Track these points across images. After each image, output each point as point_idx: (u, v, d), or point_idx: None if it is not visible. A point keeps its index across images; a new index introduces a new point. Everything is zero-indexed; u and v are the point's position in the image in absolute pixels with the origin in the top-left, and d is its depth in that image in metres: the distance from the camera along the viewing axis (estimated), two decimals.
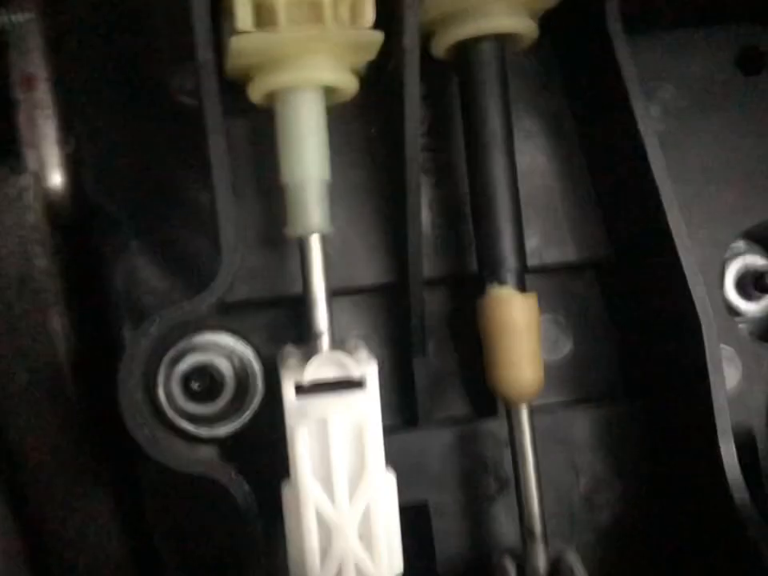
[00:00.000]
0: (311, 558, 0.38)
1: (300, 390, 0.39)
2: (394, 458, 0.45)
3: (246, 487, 0.39)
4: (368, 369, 0.39)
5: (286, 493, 0.39)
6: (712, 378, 0.41)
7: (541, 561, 0.42)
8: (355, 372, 0.39)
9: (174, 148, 0.47)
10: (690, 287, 0.41)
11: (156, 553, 0.46)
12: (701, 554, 0.45)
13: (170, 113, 0.47)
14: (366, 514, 0.39)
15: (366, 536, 0.39)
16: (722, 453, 0.41)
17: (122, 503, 0.46)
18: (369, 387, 0.39)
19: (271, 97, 0.41)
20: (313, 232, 0.41)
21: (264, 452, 0.43)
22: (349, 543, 0.38)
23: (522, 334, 0.43)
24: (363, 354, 0.40)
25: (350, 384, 0.39)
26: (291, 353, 0.41)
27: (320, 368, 0.39)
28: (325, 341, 0.41)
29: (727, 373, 0.47)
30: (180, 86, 0.47)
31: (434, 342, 0.49)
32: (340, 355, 0.39)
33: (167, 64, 0.47)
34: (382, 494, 0.39)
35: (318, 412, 0.38)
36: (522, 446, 0.43)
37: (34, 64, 0.46)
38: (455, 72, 0.45)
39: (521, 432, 0.43)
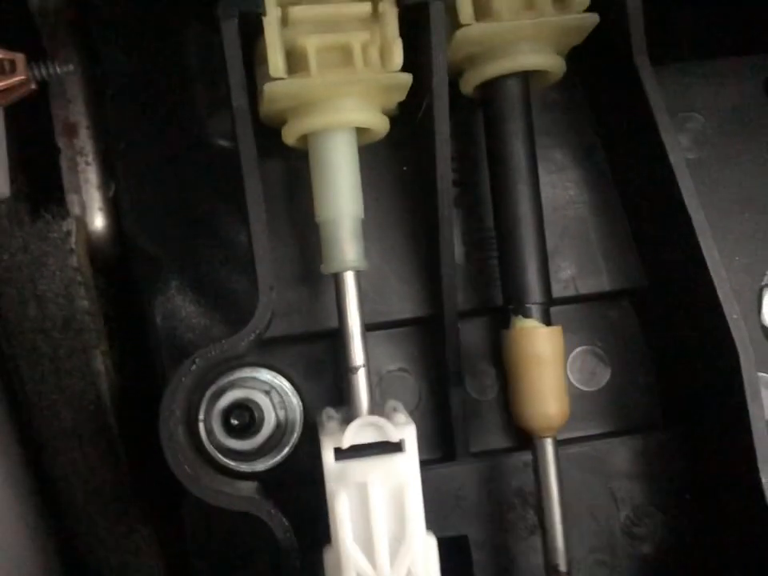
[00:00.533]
0: None
1: (341, 455, 0.39)
2: (433, 492, 0.46)
3: (286, 523, 0.40)
4: (406, 432, 0.39)
5: (328, 558, 0.39)
6: (750, 406, 0.41)
7: None
8: (394, 436, 0.39)
9: (211, 189, 0.48)
10: (726, 315, 0.41)
11: None
12: None
13: (206, 155, 0.48)
14: None
15: None
16: (764, 482, 0.40)
17: (165, 539, 0.46)
18: (408, 450, 0.39)
19: (305, 139, 0.42)
20: (347, 269, 0.42)
21: (303, 487, 0.44)
22: None
23: (546, 367, 0.43)
24: (401, 416, 0.40)
25: (389, 446, 0.39)
26: (331, 416, 0.42)
27: (359, 432, 0.39)
28: (362, 376, 0.42)
29: (766, 400, 0.46)
30: (216, 129, 0.49)
31: (469, 374, 0.49)
32: (379, 420, 0.39)
33: (203, 108, 0.49)
34: (423, 558, 0.39)
35: (357, 476, 0.38)
36: (546, 479, 0.43)
37: (75, 113, 0.47)
38: (481, 108, 0.46)
39: (545, 465, 0.43)
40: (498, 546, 0.46)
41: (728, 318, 0.41)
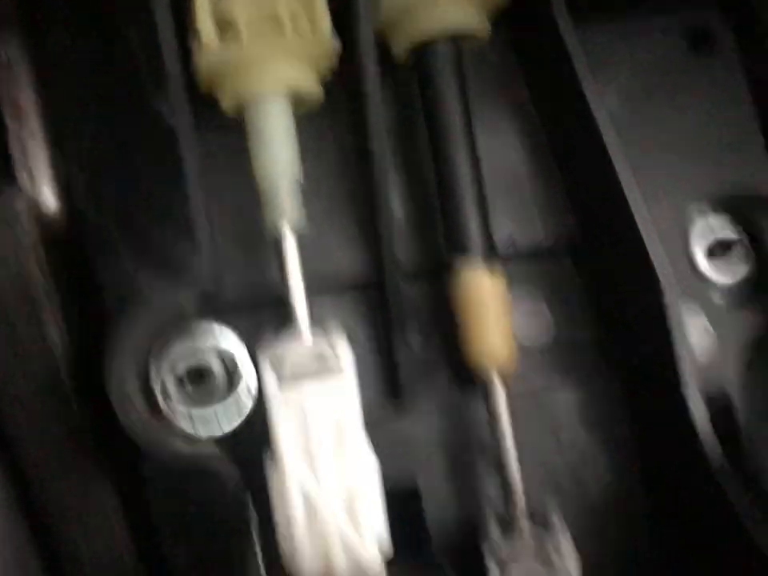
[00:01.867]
0: (299, 536, 0.40)
1: (281, 379, 0.41)
2: (382, 445, 0.47)
3: (237, 474, 0.41)
4: (344, 356, 0.41)
5: (272, 477, 0.41)
6: (675, 335, 0.42)
7: (524, 523, 0.43)
8: (331, 359, 0.41)
9: (158, 162, 0.50)
10: (650, 254, 0.43)
11: (161, 549, 0.48)
12: (684, 518, 0.46)
13: (153, 130, 0.50)
14: (349, 492, 0.40)
15: (351, 513, 0.40)
16: (691, 408, 0.42)
17: (126, 503, 0.48)
18: (346, 373, 0.41)
19: (241, 105, 0.44)
20: (286, 229, 0.43)
21: (263, 450, 0.45)
22: (334, 520, 0.40)
23: (492, 310, 0.45)
24: (340, 341, 0.42)
25: (329, 372, 0.41)
26: (271, 344, 0.43)
27: (297, 357, 0.41)
28: (306, 333, 0.43)
29: (701, 340, 0.48)
30: (162, 106, 0.50)
31: (418, 330, 0.50)
32: (316, 344, 0.41)
33: (149, 86, 0.50)
34: (365, 474, 0.41)
35: (297, 398, 0.40)
36: (498, 419, 0.45)
37: (23, 93, 0.49)
38: (416, 72, 0.47)
39: (496, 405, 0.45)
40: (449, 492, 0.48)
41: (653, 259, 0.43)
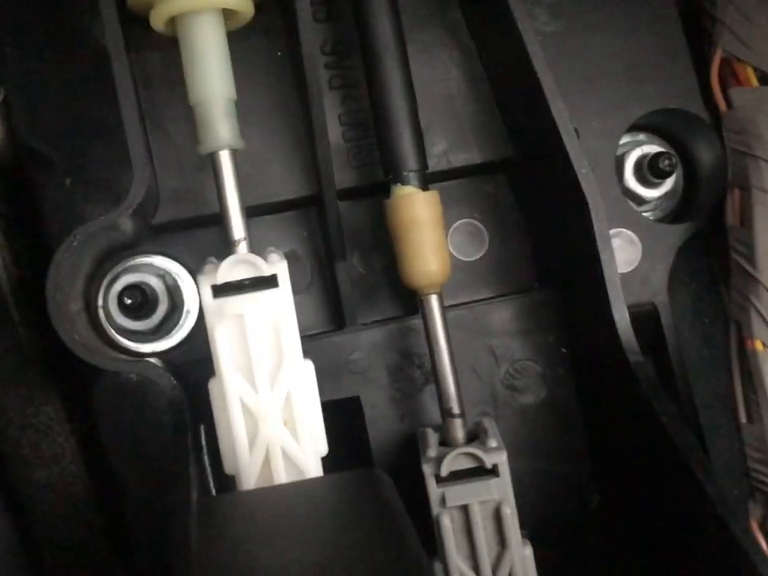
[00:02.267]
0: (240, 445, 0.42)
1: (217, 291, 0.42)
2: (325, 360, 0.49)
3: (174, 381, 0.43)
4: (279, 267, 0.42)
5: (213, 388, 0.42)
6: (601, 248, 0.44)
7: (459, 432, 0.45)
8: (266, 270, 0.42)
9: (98, 90, 0.50)
10: (576, 170, 0.44)
11: (110, 466, 0.50)
12: (612, 422, 0.48)
13: (92, 57, 0.50)
14: (288, 400, 0.42)
15: (290, 421, 0.42)
16: (616, 318, 0.44)
17: (74, 418, 0.49)
18: (281, 284, 0.42)
19: (172, 24, 0.44)
20: (222, 147, 0.44)
21: (204, 366, 0.47)
22: (274, 428, 0.42)
23: (426, 229, 0.46)
24: (275, 256, 0.43)
25: (264, 281, 0.42)
26: (210, 261, 0.44)
27: (233, 269, 0.42)
28: (243, 248, 0.44)
29: (629, 253, 0.50)
30: (99, 30, 0.50)
31: (358, 250, 0.52)
32: (251, 256, 0.42)
33: (83, 8, 0.50)
34: (301, 381, 0.42)
35: (234, 310, 0.42)
36: (434, 331, 0.46)
37: None
38: None
39: (432, 318, 0.46)
40: (388, 403, 0.50)
41: (578, 173, 0.45)
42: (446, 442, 0.46)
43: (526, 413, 0.51)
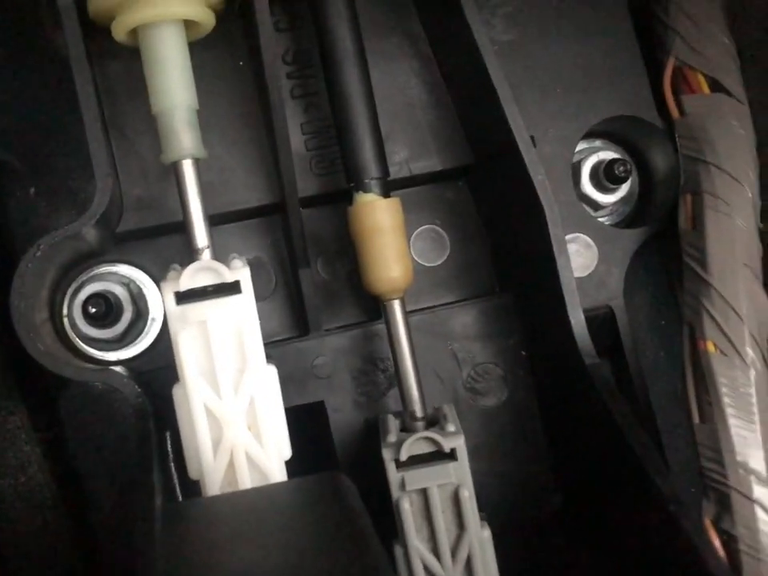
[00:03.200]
0: (205, 450, 0.42)
1: (180, 298, 0.42)
2: (289, 366, 0.50)
3: (138, 390, 0.43)
4: (242, 273, 0.43)
5: (177, 394, 0.43)
6: (557, 253, 0.45)
7: (419, 424, 0.46)
8: (229, 277, 0.42)
9: (61, 99, 0.50)
10: (532, 176, 0.45)
11: (76, 473, 0.50)
12: (571, 423, 0.49)
13: (54, 66, 0.50)
14: (251, 405, 0.42)
15: (253, 426, 0.43)
16: (572, 322, 0.45)
17: (40, 427, 0.49)
18: (244, 290, 0.43)
19: (134, 34, 0.45)
20: (185, 157, 0.44)
21: (170, 373, 0.47)
22: (238, 433, 0.42)
23: (388, 235, 0.47)
24: (237, 262, 0.44)
25: (226, 287, 0.43)
26: (173, 269, 0.45)
27: (195, 276, 0.42)
28: (206, 256, 0.45)
29: (585, 257, 0.51)
30: (59, 38, 0.51)
31: (322, 256, 0.53)
32: (214, 263, 0.43)
33: (49, 22, 0.51)
34: (265, 386, 0.43)
35: (197, 316, 0.42)
36: (397, 336, 0.47)
37: None
38: (308, 1, 0.49)
39: (395, 323, 0.47)
40: (353, 407, 0.50)
41: (534, 179, 0.46)
42: (406, 428, 0.46)
43: (487, 415, 0.52)
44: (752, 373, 0.44)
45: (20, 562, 0.48)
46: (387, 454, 0.43)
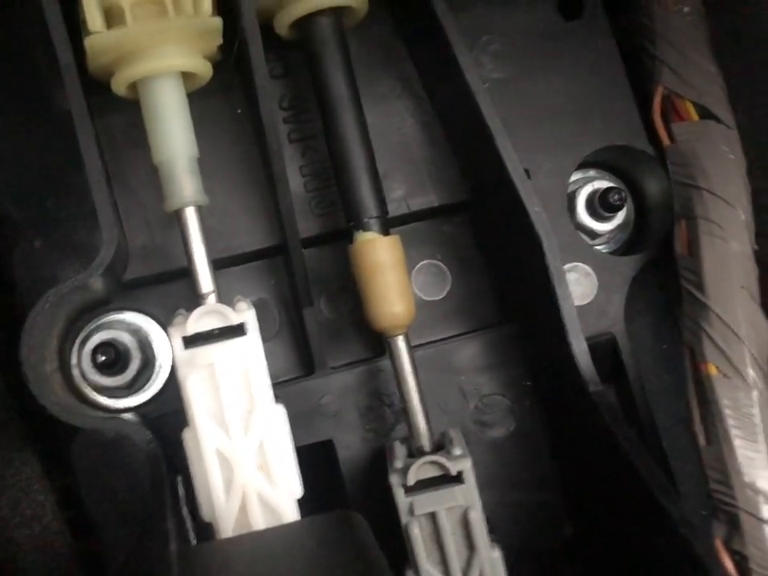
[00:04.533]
0: (216, 492, 0.42)
1: (188, 342, 0.43)
2: (296, 405, 0.50)
3: (149, 435, 0.43)
4: (247, 315, 0.43)
5: (187, 437, 0.43)
6: (557, 284, 0.46)
7: (426, 442, 0.47)
8: (234, 319, 0.43)
9: (63, 152, 0.51)
10: (528, 209, 0.46)
11: (90, 521, 0.50)
12: (579, 451, 0.50)
13: (55, 120, 0.51)
14: (261, 445, 0.43)
15: (264, 466, 0.43)
16: (574, 350, 0.46)
17: (53, 480, 0.50)
18: (250, 331, 0.43)
19: (134, 88, 0.46)
20: (187, 204, 0.46)
21: (179, 419, 0.48)
22: (249, 473, 0.43)
23: (389, 272, 0.48)
24: (242, 304, 0.45)
25: (232, 330, 0.43)
26: (180, 314, 0.46)
27: (202, 319, 0.43)
28: (212, 300, 0.46)
29: (584, 286, 0.52)
30: (60, 93, 0.52)
31: (325, 295, 0.53)
32: (219, 306, 0.43)
33: (48, 74, 0.52)
34: (274, 426, 0.43)
35: (205, 359, 0.43)
36: (402, 371, 0.47)
37: None
38: (302, 49, 0.50)
39: (400, 359, 0.48)
40: (361, 445, 0.51)
41: (530, 212, 0.46)
42: (413, 454, 0.47)
43: (496, 446, 0.52)
44: (755, 393, 0.44)
45: None
46: (395, 479, 0.44)
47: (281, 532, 0.40)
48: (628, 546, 0.47)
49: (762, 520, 0.42)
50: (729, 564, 0.42)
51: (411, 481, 0.44)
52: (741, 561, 0.43)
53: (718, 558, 0.41)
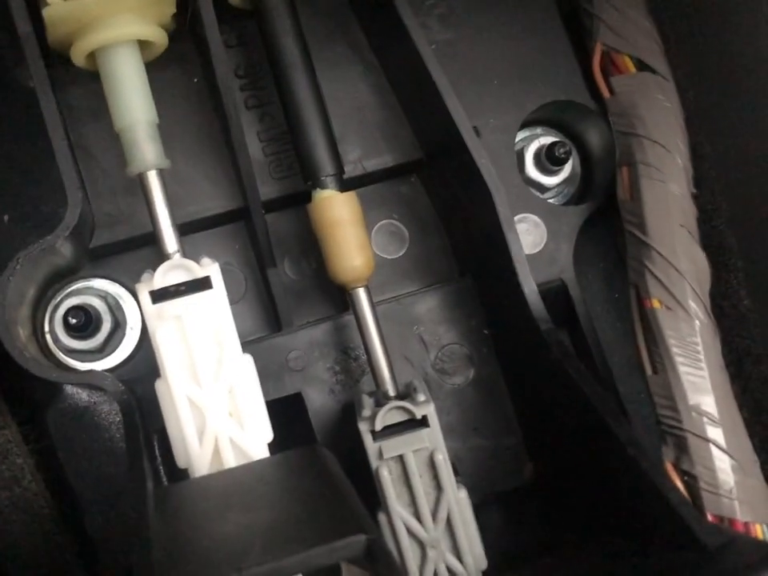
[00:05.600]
0: (190, 439, 0.44)
1: (155, 297, 0.45)
2: (265, 361, 0.52)
3: (122, 387, 0.45)
4: (211, 269, 0.45)
5: (159, 388, 0.45)
6: (506, 230, 0.48)
7: (391, 391, 0.49)
8: (200, 273, 0.45)
9: (26, 128, 0.53)
10: (477, 162, 0.48)
11: (68, 484, 0.52)
12: (535, 392, 0.52)
13: (21, 98, 0.53)
14: (231, 392, 0.45)
15: (235, 412, 0.45)
16: (525, 292, 0.48)
17: (31, 443, 0.51)
18: (215, 284, 0.45)
19: (93, 58, 0.48)
20: (149, 168, 0.47)
21: (152, 381, 0.49)
22: (220, 419, 0.45)
23: (348, 227, 0.50)
24: (207, 260, 0.46)
25: (198, 284, 0.45)
26: (147, 272, 0.47)
27: (168, 274, 0.45)
28: (174, 255, 0.47)
29: (534, 235, 0.55)
30: (22, 71, 0.53)
31: (288, 257, 0.55)
32: (185, 261, 0.45)
33: (9, 55, 0.53)
34: (242, 374, 0.45)
35: (173, 312, 0.44)
36: (365, 321, 0.50)
37: None
38: (254, 17, 0.52)
39: (362, 310, 0.50)
40: (329, 395, 0.53)
41: (479, 164, 0.49)
42: (380, 404, 0.49)
43: (457, 393, 0.54)
44: (696, 324, 0.47)
45: (21, 571, 0.50)
46: (363, 426, 0.46)
47: (252, 467, 0.42)
48: (586, 479, 0.50)
49: (707, 440, 0.45)
50: (679, 484, 0.45)
51: (379, 426, 0.46)
52: (690, 480, 0.45)
53: (664, 472, 0.43)
